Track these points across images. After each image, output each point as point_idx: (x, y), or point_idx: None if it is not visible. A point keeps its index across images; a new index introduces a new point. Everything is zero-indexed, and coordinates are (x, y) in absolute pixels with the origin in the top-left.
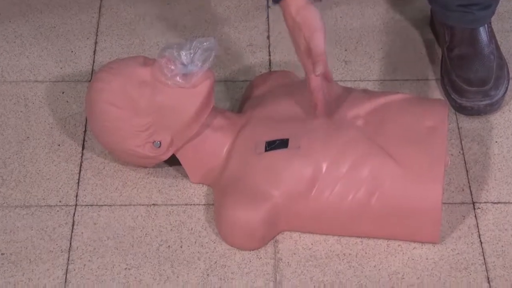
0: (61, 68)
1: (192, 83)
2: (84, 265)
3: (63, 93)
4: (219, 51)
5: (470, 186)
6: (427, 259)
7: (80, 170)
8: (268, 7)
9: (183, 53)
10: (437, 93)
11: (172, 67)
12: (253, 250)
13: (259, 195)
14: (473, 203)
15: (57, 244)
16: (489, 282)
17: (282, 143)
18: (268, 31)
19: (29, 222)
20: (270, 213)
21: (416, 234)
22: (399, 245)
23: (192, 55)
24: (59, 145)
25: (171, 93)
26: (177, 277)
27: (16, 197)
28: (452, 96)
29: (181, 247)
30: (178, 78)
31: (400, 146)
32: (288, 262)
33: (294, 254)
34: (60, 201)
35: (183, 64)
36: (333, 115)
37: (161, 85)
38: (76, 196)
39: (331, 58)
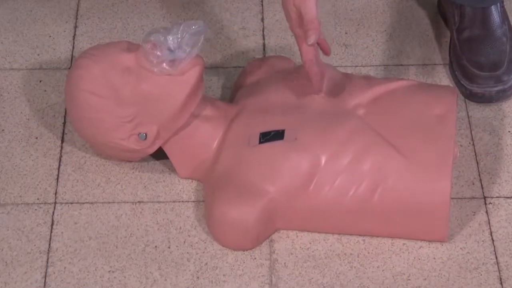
0: (38, 54)
1: (179, 70)
2: (65, 267)
3: (40, 81)
4: (209, 35)
5: (481, 180)
6: (434, 258)
7: (59, 165)
8: None
9: (170, 37)
10: (445, 79)
11: (158, 53)
12: (247, 250)
13: (253, 191)
14: (484, 197)
15: (35, 245)
16: (501, 283)
17: (277, 135)
18: (262, 13)
19: (5, 221)
20: (265, 210)
21: (423, 232)
22: (404, 244)
23: (179, 40)
24: (36, 138)
25: (157, 81)
26: (165, 280)
27: None
28: (462, 82)
29: (169, 247)
30: (164, 64)
31: (405, 137)
32: (284, 263)
33: (291, 254)
34: (38, 199)
35: (170, 49)
36: (333, 104)
37: (146, 73)
38: (55, 193)
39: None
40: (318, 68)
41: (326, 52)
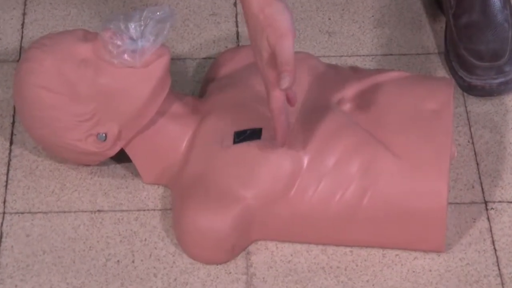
0: None
1: (143, 61)
2: (15, 285)
3: None
4: (175, 22)
5: (481, 183)
6: (430, 271)
7: (8, 171)
8: None
9: (131, 25)
10: (440, 69)
11: (119, 43)
12: (220, 263)
13: (227, 196)
14: (485, 202)
15: None
16: None
17: (254, 134)
18: None
19: None
20: (241, 219)
21: (417, 240)
22: (397, 255)
23: (142, 28)
24: None
25: (118, 74)
26: None
27: None
28: (459, 74)
29: (133, 262)
30: (125, 55)
31: (397, 135)
32: (263, 278)
33: (271, 267)
34: None
35: (131, 38)
36: (315, 99)
37: (105, 65)
38: (4, 202)
39: (313, 28)
40: (286, 119)
41: (292, 103)
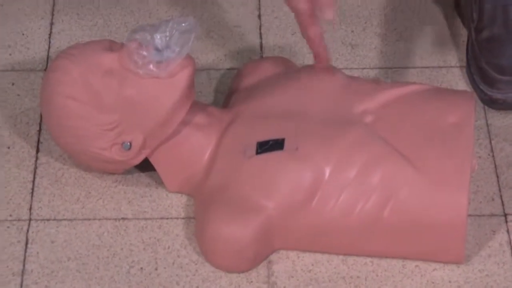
0: (10, 54)
1: (168, 72)
2: None
3: (13, 84)
4: (200, 33)
5: (501, 195)
6: (450, 282)
7: (34, 178)
8: None
9: (157, 36)
10: (462, 83)
11: (144, 53)
12: (242, 272)
13: (249, 206)
14: (505, 215)
15: (7, 267)
16: None
17: (276, 144)
18: (259, 9)
19: None
20: (262, 228)
21: (437, 252)
22: (416, 266)
23: (168, 39)
24: (8, 147)
25: (143, 84)
26: None
27: None
28: (481, 87)
29: (156, 269)
30: (151, 66)
31: (418, 147)
32: (284, 287)
33: (292, 277)
34: (10, 215)
35: (157, 49)
36: (338, 110)
37: (131, 75)
38: (30, 209)
39: (335, 40)
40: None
41: (323, 59)
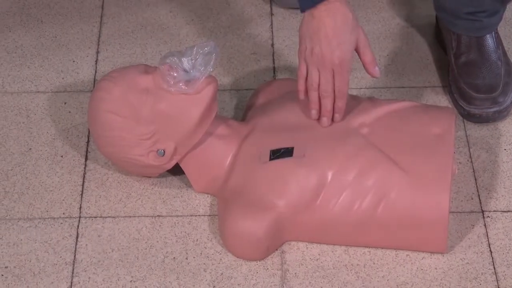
0: (62, 78)
1: (195, 89)
2: (89, 277)
3: (65, 103)
4: (222, 59)
5: (479, 195)
6: (436, 269)
7: (83, 182)
8: (271, 14)
9: (184, 59)
10: (444, 100)
11: (175, 74)
12: (258, 260)
13: (263, 205)
14: (482, 211)
15: (61, 257)
16: None
17: (287, 152)
18: (272, 39)
19: (33, 234)
20: (274, 224)
21: (423, 244)
22: (407, 255)
23: (193, 61)
24: (61, 156)
25: (174, 100)
26: None
27: (19, 209)
28: (460, 103)
29: (187, 258)
30: (181, 84)
31: (407, 154)
32: (295, 273)
33: (301, 264)
34: (63, 213)
35: (185, 70)
36: (339, 123)
37: (163, 93)
38: (80, 208)
39: None
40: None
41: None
